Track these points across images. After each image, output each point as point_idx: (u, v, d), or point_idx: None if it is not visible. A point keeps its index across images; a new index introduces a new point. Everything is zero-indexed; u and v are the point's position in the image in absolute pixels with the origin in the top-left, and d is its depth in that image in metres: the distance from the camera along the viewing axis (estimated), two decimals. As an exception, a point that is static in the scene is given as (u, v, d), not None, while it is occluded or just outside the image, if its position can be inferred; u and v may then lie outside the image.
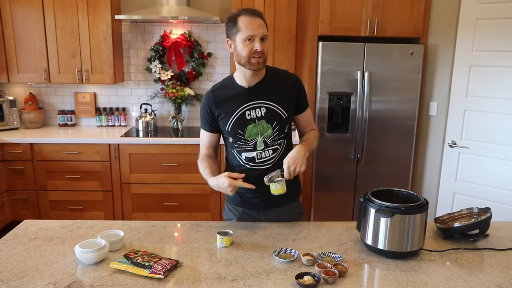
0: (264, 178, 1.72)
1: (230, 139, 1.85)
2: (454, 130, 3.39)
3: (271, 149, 1.83)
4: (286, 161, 1.71)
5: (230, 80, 1.85)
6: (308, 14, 3.53)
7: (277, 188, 1.70)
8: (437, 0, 3.42)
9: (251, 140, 1.82)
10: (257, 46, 1.67)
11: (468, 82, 3.26)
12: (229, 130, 1.82)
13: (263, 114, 1.79)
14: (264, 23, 1.71)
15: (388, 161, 3.60)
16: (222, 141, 1.95)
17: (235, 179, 1.70)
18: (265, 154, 1.83)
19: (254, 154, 1.82)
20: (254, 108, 1.79)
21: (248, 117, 1.79)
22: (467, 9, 3.21)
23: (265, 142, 1.82)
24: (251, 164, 1.85)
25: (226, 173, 1.73)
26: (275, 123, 1.80)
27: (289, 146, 1.90)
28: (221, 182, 1.70)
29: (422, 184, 3.77)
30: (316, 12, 3.43)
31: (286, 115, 1.83)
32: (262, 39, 1.69)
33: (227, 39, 1.75)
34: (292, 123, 1.93)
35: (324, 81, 3.46)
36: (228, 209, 2.00)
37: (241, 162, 1.86)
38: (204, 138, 1.92)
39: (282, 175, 1.71)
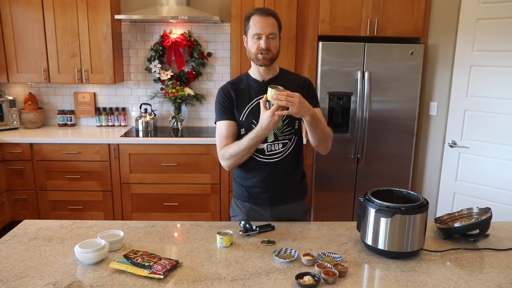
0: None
1: (243, 131, 1.88)
2: (454, 130, 3.39)
3: (281, 143, 1.88)
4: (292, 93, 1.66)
5: (245, 75, 1.95)
6: (308, 14, 3.52)
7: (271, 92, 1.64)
8: (437, 0, 3.42)
9: None
10: (262, 43, 1.78)
11: (468, 82, 3.25)
12: (243, 120, 1.87)
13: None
14: (276, 22, 1.82)
15: (388, 161, 3.60)
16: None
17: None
18: (275, 147, 1.88)
19: (264, 146, 1.86)
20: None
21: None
22: (467, 9, 3.21)
23: (275, 134, 1.86)
24: (260, 156, 1.88)
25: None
26: (285, 115, 1.82)
27: (300, 144, 1.95)
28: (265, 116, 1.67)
29: (422, 184, 3.76)
30: (316, 12, 3.43)
31: None
32: (270, 37, 1.78)
33: (244, 36, 1.89)
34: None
35: (324, 81, 3.46)
36: (235, 205, 2.03)
37: (251, 155, 1.88)
38: (223, 129, 1.89)
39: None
